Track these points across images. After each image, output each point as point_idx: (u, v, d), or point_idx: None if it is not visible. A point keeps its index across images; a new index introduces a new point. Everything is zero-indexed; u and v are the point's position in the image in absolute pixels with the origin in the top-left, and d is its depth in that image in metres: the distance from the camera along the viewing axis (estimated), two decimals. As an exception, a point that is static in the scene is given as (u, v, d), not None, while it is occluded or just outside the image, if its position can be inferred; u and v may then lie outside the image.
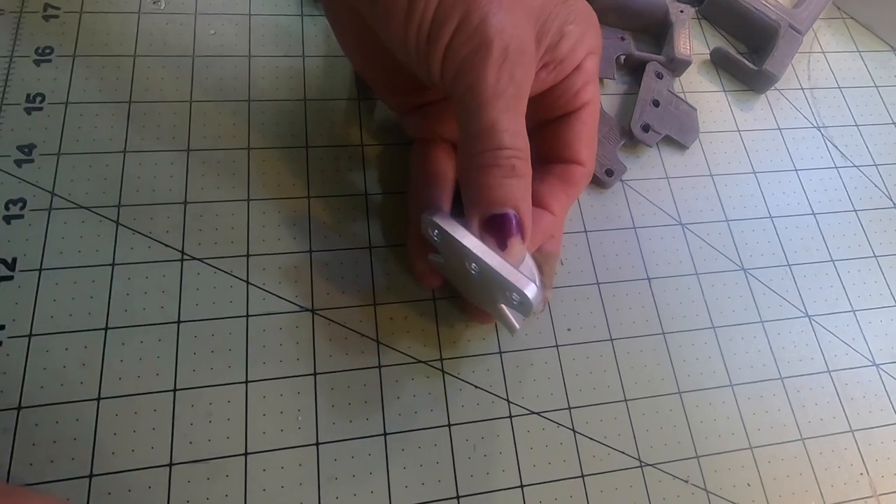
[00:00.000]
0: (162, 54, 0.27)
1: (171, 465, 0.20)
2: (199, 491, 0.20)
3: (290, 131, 0.27)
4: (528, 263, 0.20)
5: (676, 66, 0.31)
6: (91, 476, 0.20)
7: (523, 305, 0.19)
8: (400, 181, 0.27)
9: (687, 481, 0.23)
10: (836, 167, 0.32)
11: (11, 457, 0.19)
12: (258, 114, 0.27)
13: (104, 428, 0.20)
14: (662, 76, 0.31)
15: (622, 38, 0.32)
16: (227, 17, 0.29)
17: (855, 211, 0.31)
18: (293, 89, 0.28)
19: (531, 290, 0.19)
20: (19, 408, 0.20)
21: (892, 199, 0.31)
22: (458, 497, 0.22)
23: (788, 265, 0.29)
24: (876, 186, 0.31)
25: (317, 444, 0.22)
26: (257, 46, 0.29)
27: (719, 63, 0.33)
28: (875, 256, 0.30)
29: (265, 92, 0.28)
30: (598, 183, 0.28)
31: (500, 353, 0.24)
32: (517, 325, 0.21)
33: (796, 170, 0.31)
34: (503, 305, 0.21)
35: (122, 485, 0.20)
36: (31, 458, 0.20)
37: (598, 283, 0.27)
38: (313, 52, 0.29)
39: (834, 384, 0.26)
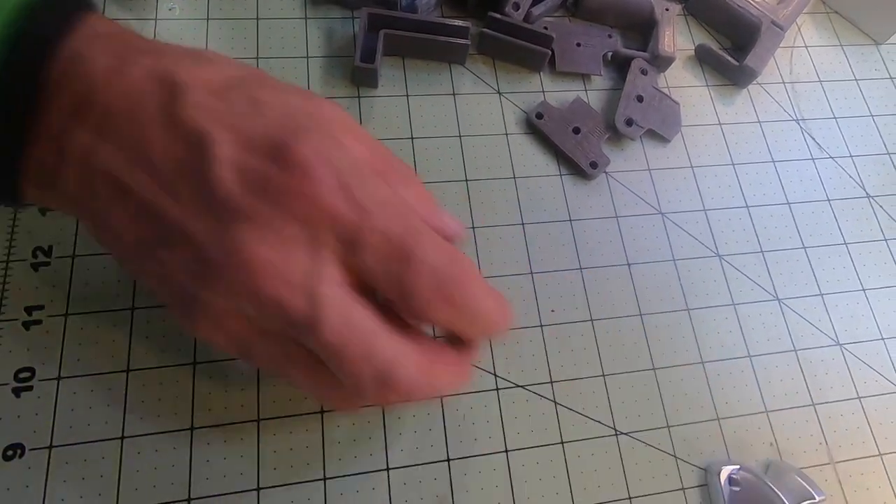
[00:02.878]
0: (177, 57, 0.29)
1: (192, 428, 0.23)
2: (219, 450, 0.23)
3: (295, 128, 0.29)
4: None
5: (661, 62, 0.33)
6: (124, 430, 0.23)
7: None
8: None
9: (658, 447, 0.26)
10: (813, 158, 0.33)
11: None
12: (266, 112, 0.29)
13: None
14: (647, 72, 0.33)
15: (609, 36, 0.33)
16: (235, 21, 0.31)
17: (829, 200, 0.32)
18: (298, 88, 0.30)
19: None
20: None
21: (865, 189, 0.33)
22: (448, 460, 0.24)
23: (762, 252, 0.30)
24: (850, 177, 0.33)
25: (321, 412, 0.24)
26: (264, 48, 0.31)
27: (703, 59, 0.34)
28: (845, 243, 0.31)
29: (272, 91, 0.30)
30: (582, 174, 0.30)
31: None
32: None
33: (774, 161, 0.33)
34: None
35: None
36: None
37: (580, 269, 0.29)
38: (316, 53, 0.31)
39: (799, 362, 0.28)
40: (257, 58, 0.30)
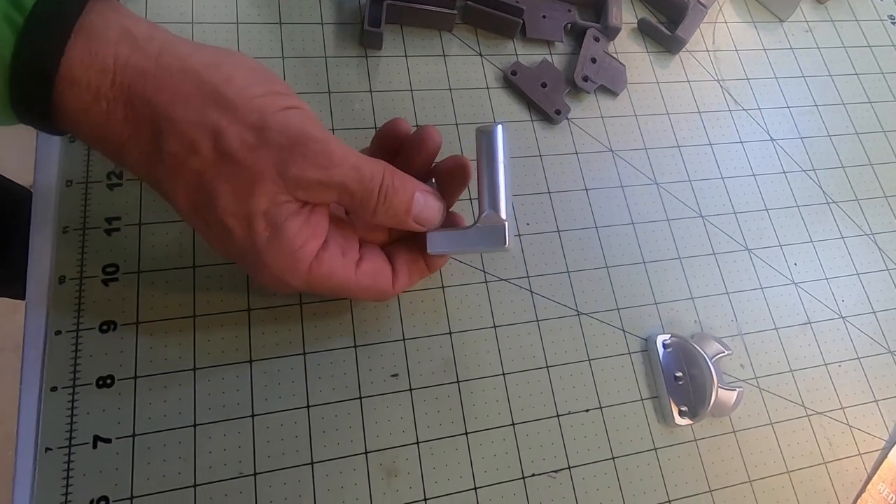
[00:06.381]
0: (213, 21, 0.35)
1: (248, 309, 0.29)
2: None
3: (315, 81, 0.35)
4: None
5: (610, 32, 0.41)
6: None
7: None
8: (401, 118, 0.35)
9: (610, 324, 0.33)
10: (730, 110, 0.42)
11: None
12: (290, 67, 0.35)
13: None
14: (599, 39, 0.40)
15: (569, 10, 0.41)
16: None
17: (741, 143, 0.41)
18: (316, 49, 0.36)
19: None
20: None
21: (769, 134, 0.41)
22: (450, 333, 0.31)
23: (689, 180, 0.39)
24: (758, 125, 0.42)
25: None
26: (285, 16, 0.36)
27: (644, 30, 0.42)
28: (754, 175, 0.40)
29: (294, 51, 0.36)
30: (548, 120, 0.38)
31: (478, 240, 0.34)
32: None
33: (699, 112, 0.41)
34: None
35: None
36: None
37: (549, 192, 0.36)
38: (329, 20, 0.37)
39: (717, 262, 0.37)
40: (280, 23, 0.36)
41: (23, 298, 0.28)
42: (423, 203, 0.26)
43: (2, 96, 0.20)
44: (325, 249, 0.25)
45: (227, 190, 0.22)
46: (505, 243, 0.26)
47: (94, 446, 0.26)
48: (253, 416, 0.28)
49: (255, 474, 0.27)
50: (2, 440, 0.89)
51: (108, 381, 0.27)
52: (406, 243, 0.29)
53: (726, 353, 0.33)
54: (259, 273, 0.24)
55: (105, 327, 0.28)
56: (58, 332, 0.27)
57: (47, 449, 0.25)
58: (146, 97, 0.21)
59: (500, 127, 0.27)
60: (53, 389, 0.26)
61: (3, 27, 0.19)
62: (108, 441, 0.26)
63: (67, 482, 0.25)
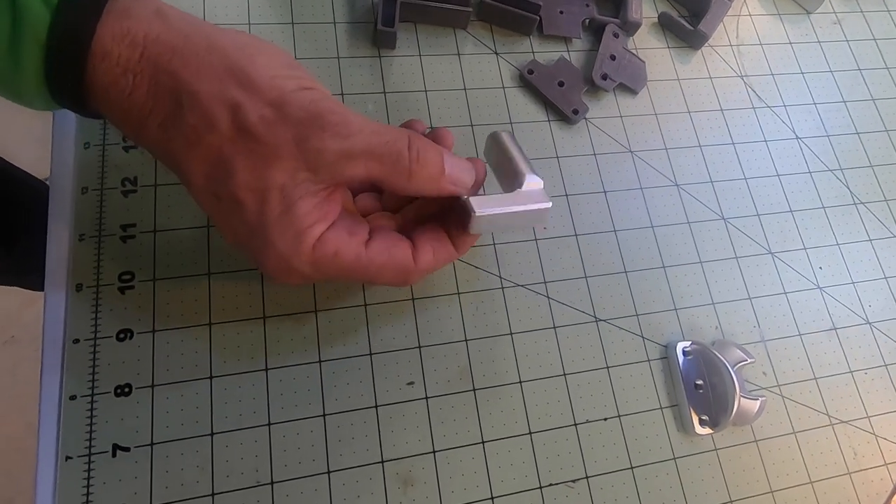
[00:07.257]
0: (224, 22, 0.35)
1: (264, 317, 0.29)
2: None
3: (328, 82, 0.35)
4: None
5: (630, 27, 0.39)
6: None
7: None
8: (415, 120, 0.35)
9: (628, 330, 0.33)
10: (754, 108, 0.40)
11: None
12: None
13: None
14: (618, 35, 0.39)
15: (587, 5, 0.39)
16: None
17: (766, 141, 0.39)
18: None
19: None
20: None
21: (794, 132, 0.40)
22: (466, 340, 0.31)
23: (711, 182, 0.37)
24: (783, 122, 0.40)
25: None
26: (298, 15, 0.36)
27: (665, 24, 0.41)
28: (778, 175, 0.39)
29: (307, 51, 0.35)
30: (566, 120, 0.37)
31: (494, 244, 0.33)
32: None
33: (722, 110, 0.40)
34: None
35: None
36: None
37: (566, 195, 0.35)
38: (341, 19, 0.36)
39: (739, 266, 0.36)
40: (292, 23, 0.36)
41: (38, 289, 0.28)
42: (452, 163, 0.26)
43: (37, 74, 0.21)
44: (329, 230, 0.24)
45: (246, 165, 0.22)
46: (548, 201, 0.27)
47: (114, 455, 0.26)
48: (269, 424, 0.28)
49: (272, 483, 0.27)
50: (23, 430, 0.91)
51: (126, 390, 0.27)
52: (429, 223, 0.27)
53: (748, 360, 0.32)
54: (265, 256, 0.23)
55: (122, 335, 0.28)
56: (76, 341, 0.27)
57: (67, 457, 0.25)
58: (171, 70, 0.21)
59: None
60: (73, 398, 0.26)
61: (39, 6, 0.20)
62: (127, 450, 0.26)
63: (88, 490, 0.25)
